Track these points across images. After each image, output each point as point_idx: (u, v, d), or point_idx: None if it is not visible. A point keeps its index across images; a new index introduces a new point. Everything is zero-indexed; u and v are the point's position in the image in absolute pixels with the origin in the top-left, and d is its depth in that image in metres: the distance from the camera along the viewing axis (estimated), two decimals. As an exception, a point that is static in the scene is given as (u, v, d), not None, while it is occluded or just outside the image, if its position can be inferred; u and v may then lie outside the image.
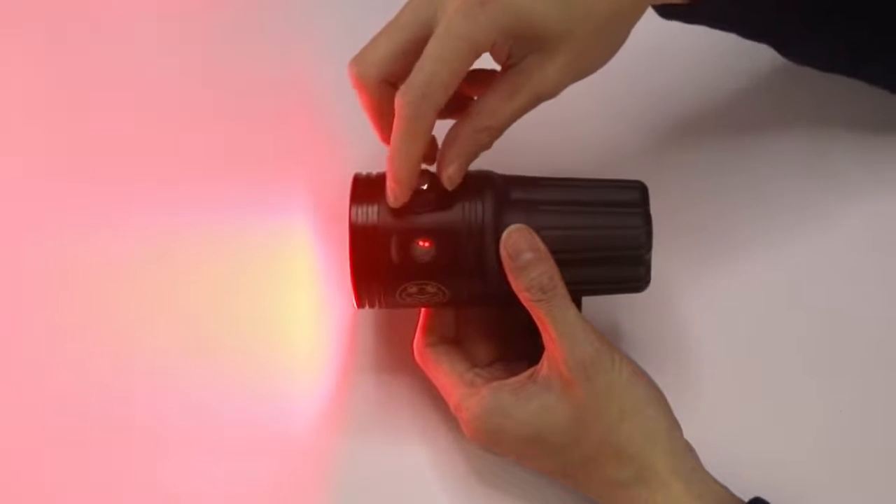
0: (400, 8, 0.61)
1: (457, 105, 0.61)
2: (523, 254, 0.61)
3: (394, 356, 0.69)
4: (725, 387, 0.69)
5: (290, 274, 0.70)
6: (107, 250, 0.70)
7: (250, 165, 0.73)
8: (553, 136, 0.72)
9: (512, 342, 0.67)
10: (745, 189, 0.73)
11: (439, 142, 0.62)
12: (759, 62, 0.74)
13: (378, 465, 0.67)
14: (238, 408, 0.68)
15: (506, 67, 0.61)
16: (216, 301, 0.70)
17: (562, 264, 0.62)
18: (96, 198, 0.71)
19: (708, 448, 0.63)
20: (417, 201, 0.62)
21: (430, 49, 0.58)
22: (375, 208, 0.62)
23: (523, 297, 0.62)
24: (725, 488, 0.62)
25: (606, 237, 0.62)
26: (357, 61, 0.61)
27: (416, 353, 0.66)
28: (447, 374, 0.65)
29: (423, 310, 0.67)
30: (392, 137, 0.60)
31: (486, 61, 0.61)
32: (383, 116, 0.61)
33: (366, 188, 0.63)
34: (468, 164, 0.62)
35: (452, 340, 0.66)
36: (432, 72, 0.58)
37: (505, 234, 0.62)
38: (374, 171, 0.64)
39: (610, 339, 0.62)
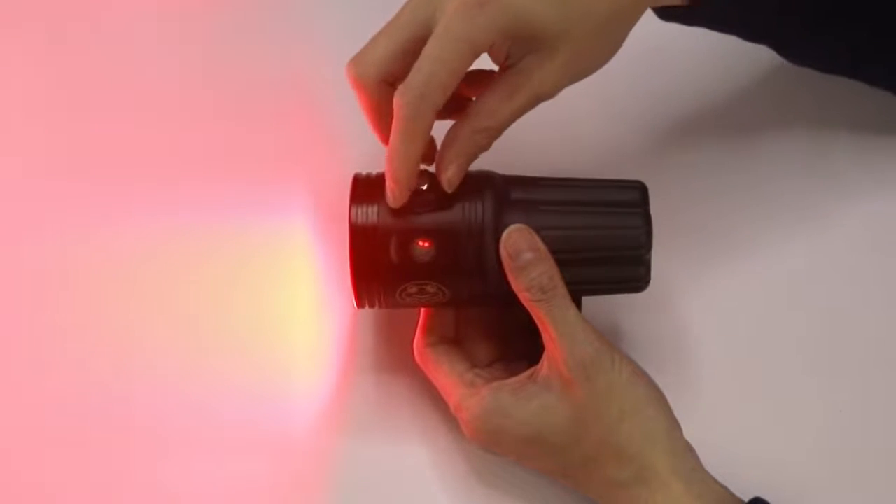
0: (399, 8, 0.61)
1: (455, 106, 0.61)
2: (523, 254, 0.61)
3: (394, 356, 0.69)
4: (725, 387, 0.68)
5: (290, 274, 0.70)
6: (107, 250, 0.70)
7: (250, 165, 0.73)
8: (553, 136, 0.72)
9: (512, 342, 0.67)
10: (745, 189, 0.73)
11: (438, 143, 0.62)
12: (759, 63, 0.74)
13: (378, 465, 0.67)
14: (238, 408, 0.68)
15: (504, 68, 0.61)
16: (216, 301, 0.70)
17: (562, 264, 0.62)
18: (96, 198, 0.71)
19: (708, 448, 0.63)
20: (417, 201, 0.61)
21: (429, 49, 0.58)
22: (375, 208, 0.62)
23: (523, 297, 0.62)
24: (725, 488, 0.62)
25: (606, 237, 0.62)
26: (356, 61, 0.61)
27: (416, 353, 0.66)
28: (447, 374, 0.65)
29: (422, 310, 0.66)
30: (391, 138, 0.60)
31: (485, 62, 0.61)
32: (382, 117, 0.61)
33: (366, 188, 0.63)
34: (467, 165, 0.62)
35: (452, 340, 0.66)
36: (431, 72, 0.58)
37: (505, 234, 0.62)
38: (374, 171, 0.64)
39: (610, 339, 0.62)
